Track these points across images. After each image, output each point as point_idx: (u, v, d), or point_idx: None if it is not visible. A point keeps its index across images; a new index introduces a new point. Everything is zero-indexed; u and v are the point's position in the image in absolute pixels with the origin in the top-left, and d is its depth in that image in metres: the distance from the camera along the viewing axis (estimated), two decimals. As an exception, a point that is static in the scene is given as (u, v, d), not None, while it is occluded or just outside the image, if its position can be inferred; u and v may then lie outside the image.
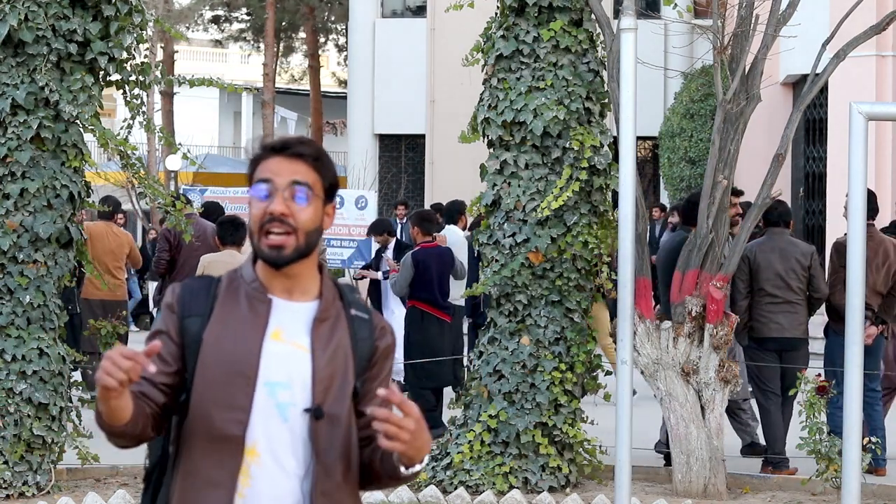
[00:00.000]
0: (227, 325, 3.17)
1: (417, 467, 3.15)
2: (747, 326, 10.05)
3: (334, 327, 3.21)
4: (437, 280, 11.85)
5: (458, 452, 9.45)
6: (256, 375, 3.14)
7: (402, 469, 3.14)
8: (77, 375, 11.48)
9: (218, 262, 10.19)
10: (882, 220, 20.22)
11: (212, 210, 13.03)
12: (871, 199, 10.01)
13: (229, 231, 10.66)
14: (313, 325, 3.18)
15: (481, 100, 9.75)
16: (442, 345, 11.78)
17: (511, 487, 9.28)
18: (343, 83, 46.34)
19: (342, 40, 44.26)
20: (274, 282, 3.21)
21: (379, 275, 14.52)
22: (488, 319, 9.78)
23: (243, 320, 3.17)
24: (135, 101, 9.31)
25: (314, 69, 39.80)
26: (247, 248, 12.63)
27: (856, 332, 7.27)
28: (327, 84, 47.69)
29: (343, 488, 3.20)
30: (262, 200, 3.15)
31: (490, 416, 9.46)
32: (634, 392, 8.66)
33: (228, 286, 3.23)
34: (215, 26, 46.10)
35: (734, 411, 10.39)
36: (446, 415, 10.13)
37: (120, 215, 15.45)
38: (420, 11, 30.29)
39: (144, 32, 9.19)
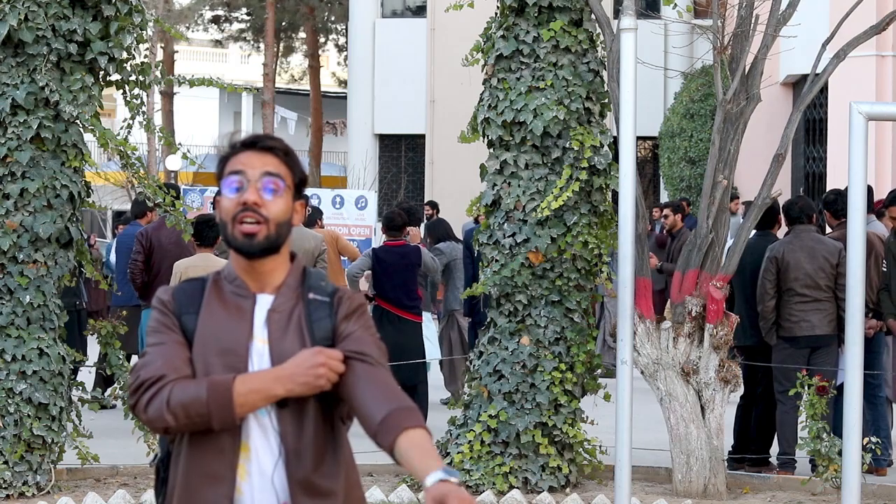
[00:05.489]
0: (216, 323, 3.21)
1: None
2: (775, 325, 10.02)
3: (290, 315, 3.23)
4: (399, 279, 11.83)
5: (458, 452, 9.45)
6: (247, 370, 3.17)
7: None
8: (78, 375, 11.46)
9: (194, 268, 9.37)
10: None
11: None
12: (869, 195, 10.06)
13: (204, 230, 9.63)
14: (267, 317, 3.22)
15: (481, 100, 9.74)
16: (399, 344, 11.48)
17: (511, 487, 9.28)
18: (343, 83, 46.35)
19: (342, 40, 44.27)
20: (248, 279, 3.25)
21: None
22: (488, 319, 9.78)
23: (229, 318, 3.21)
24: (135, 101, 9.31)
25: (314, 69, 39.82)
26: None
27: (856, 332, 7.28)
28: (327, 84, 47.71)
29: (321, 472, 3.19)
30: (233, 193, 3.19)
31: (490, 416, 9.46)
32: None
33: (213, 286, 3.27)
34: (215, 26, 46.12)
35: None
36: (446, 415, 10.12)
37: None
38: (420, 11, 30.30)
39: (144, 32, 9.19)
